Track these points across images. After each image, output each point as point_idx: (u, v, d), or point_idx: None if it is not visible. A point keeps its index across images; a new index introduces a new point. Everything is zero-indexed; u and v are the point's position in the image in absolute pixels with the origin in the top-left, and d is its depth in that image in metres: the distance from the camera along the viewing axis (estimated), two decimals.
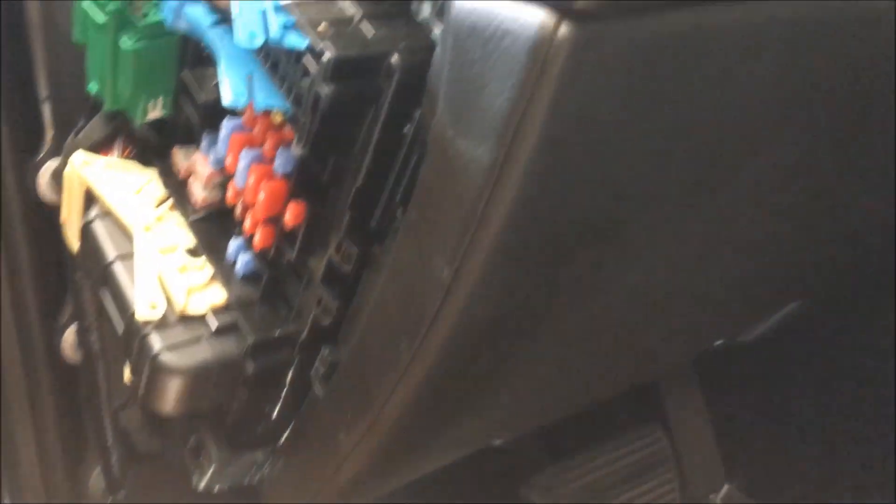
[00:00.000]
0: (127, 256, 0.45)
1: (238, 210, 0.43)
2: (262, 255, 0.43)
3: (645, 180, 0.32)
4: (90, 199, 0.47)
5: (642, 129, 0.30)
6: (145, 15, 0.43)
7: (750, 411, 0.96)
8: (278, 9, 0.33)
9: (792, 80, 0.34)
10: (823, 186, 0.44)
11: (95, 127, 0.49)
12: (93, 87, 0.46)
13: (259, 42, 0.32)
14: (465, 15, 0.28)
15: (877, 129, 0.42)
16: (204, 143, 0.45)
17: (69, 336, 0.57)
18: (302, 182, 0.39)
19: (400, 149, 0.34)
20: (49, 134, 0.54)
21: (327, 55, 0.32)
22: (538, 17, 0.26)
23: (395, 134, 0.34)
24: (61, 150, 0.53)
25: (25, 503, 0.62)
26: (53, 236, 0.55)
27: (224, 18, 0.36)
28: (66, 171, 0.47)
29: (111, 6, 0.42)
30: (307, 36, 0.33)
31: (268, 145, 0.39)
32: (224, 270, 0.45)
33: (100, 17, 0.43)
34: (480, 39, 0.28)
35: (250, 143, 0.41)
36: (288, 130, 0.39)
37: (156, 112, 0.47)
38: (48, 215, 0.54)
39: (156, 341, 0.42)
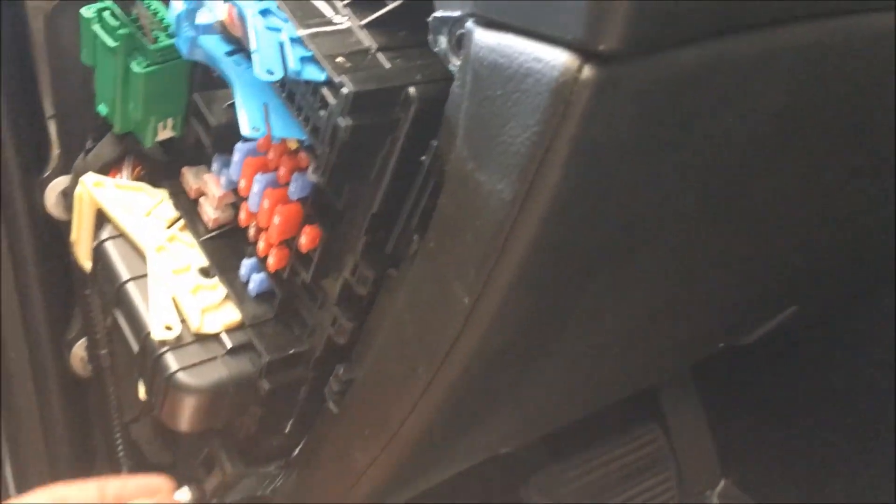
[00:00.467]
0: (140, 277, 0.45)
1: (251, 232, 0.44)
2: (276, 276, 0.44)
3: (660, 209, 0.33)
4: (101, 219, 0.48)
5: (660, 160, 0.30)
6: (156, 39, 0.43)
7: (746, 410, 0.98)
8: (295, 41, 0.34)
9: (801, 104, 0.35)
10: (826, 201, 0.45)
11: (105, 147, 0.49)
12: (102, 110, 0.46)
13: (278, 76, 0.33)
14: (487, 53, 0.29)
15: (877, 145, 0.43)
16: (215, 165, 0.45)
17: (78, 351, 0.57)
18: (317, 208, 0.39)
19: (416, 176, 0.35)
20: (55, 151, 0.54)
21: (346, 89, 0.32)
22: (561, 59, 0.26)
23: (411, 162, 0.34)
24: (68, 167, 0.54)
25: None
26: (61, 252, 0.55)
27: (239, 48, 0.36)
28: (77, 192, 0.47)
29: (122, 31, 0.43)
30: (325, 68, 0.33)
31: (282, 170, 0.40)
32: (236, 290, 0.45)
33: (110, 41, 0.43)
34: (502, 78, 0.28)
35: (264, 168, 0.41)
36: (302, 156, 0.39)
37: (165, 133, 0.47)
38: (55, 231, 0.55)
39: (171, 361, 0.43)
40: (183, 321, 0.44)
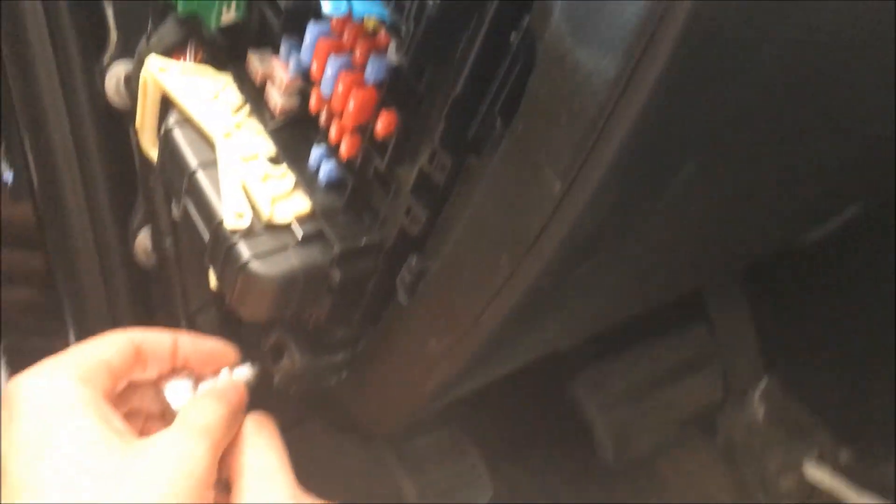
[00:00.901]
0: (209, 164, 0.45)
1: (322, 118, 0.43)
2: (347, 164, 0.43)
3: (756, 100, 0.31)
4: (166, 105, 0.47)
5: (765, 48, 0.29)
6: None
7: (792, 313, 0.97)
8: None
9: None
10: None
11: (167, 31, 0.47)
12: None
13: None
14: None
15: None
16: (283, 49, 0.44)
17: (142, 240, 0.57)
18: (395, 91, 0.38)
19: (503, 57, 0.33)
20: (113, 36, 0.53)
21: None
22: None
23: (499, 42, 0.33)
24: (126, 53, 0.53)
25: None
26: (123, 140, 0.55)
27: None
28: (142, 77, 0.46)
29: None
30: None
31: (358, 52, 0.38)
32: (306, 178, 0.45)
33: None
34: None
35: (338, 50, 0.40)
36: (380, 37, 0.38)
37: (230, 16, 0.45)
38: (117, 119, 0.54)
39: (244, 250, 0.42)
40: (253, 210, 0.43)
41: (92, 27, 0.53)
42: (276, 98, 0.45)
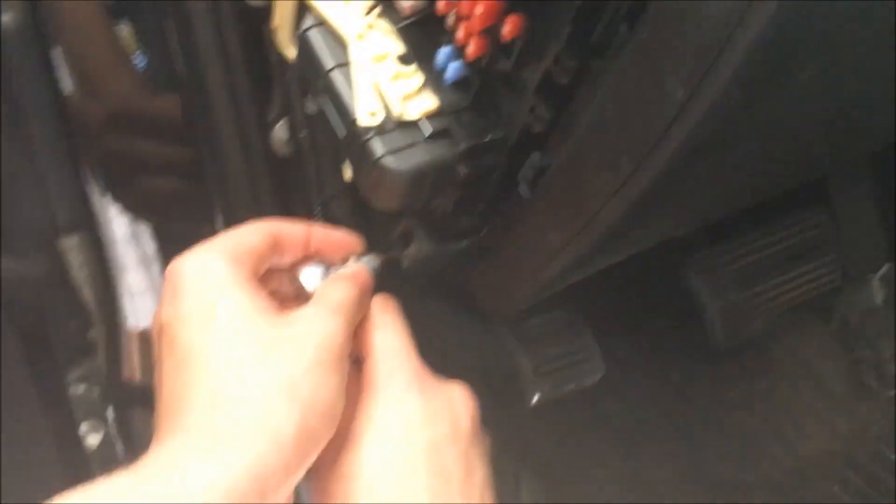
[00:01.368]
0: (343, 65, 0.47)
1: (450, 20, 0.44)
2: (473, 64, 0.45)
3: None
4: (301, 7, 0.49)
5: None
6: None
7: None
8: None
9: None
10: None
11: None
12: None
13: None
14: None
15: None
16: None
17: (279, 132, 0.61)
18: None
19: None
20: None
21: None
22: None
23: None
24: None
25: None
26: (258, 38, 0.58)
27: None
28: None
29: None
30: None
31: None
32: (433, 77, 0.47)
33: None
34: None
35: None
36: None
37: None
38: (255, 17, 0.57)
39: (377, 146, 0.46)
40: (385, 108, 0.46)
41: None
42: None
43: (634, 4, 0.35)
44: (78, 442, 0.67)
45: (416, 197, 0.48)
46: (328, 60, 0.47)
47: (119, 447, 0.68)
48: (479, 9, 0.40)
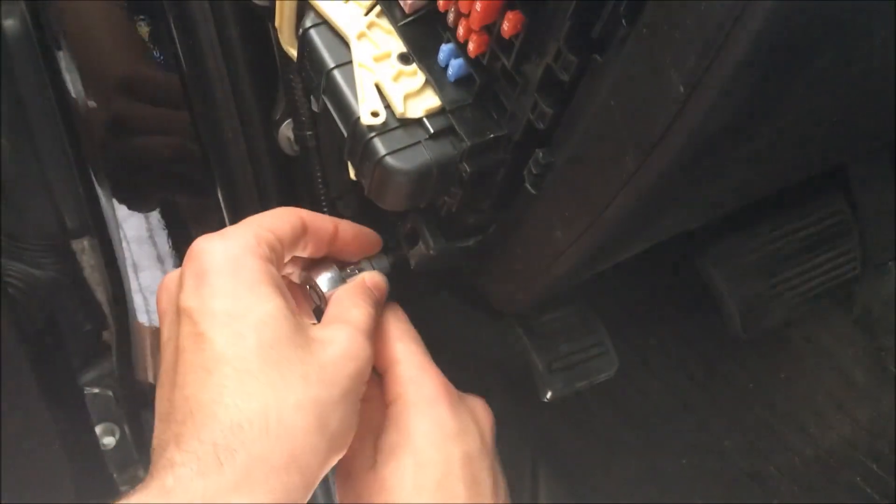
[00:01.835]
0: (344, 64, 0.47)
1: (450, 17, 0.44)
2: (475, 61, 0.44)
3: None
4: (303, 6, 0.49)
5: None
6: None
7: None
8: None
9: None
10: None
11: None
12: None
13: None
14: None
15: None
16: None
17: (285, 131, 0.61)
18: None
19: None
20: None
21: None
22: None
23: None
24: None
25: None
26: (263, 37, 0.58)
27: None
28: None
29: None
30: None
31: None
32: (435, 75, 0.46)
33: None
34: None
35: None
36: None
37: None
38: (258, 17, 0.57)
39: (380, 146, 0.45)
40: (387, 107, 0.46)
41: None
42: None
43: (633, 0, 0.34)
44: (94, 444, 0.67)
45: (420, 196, 0.47)
46: (329, 60, 0.47)
47: (133, 448, 0.69)
48: (478, 6, 0.40)
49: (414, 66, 0.46)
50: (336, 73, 0.47)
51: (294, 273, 0.53)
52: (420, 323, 0.54)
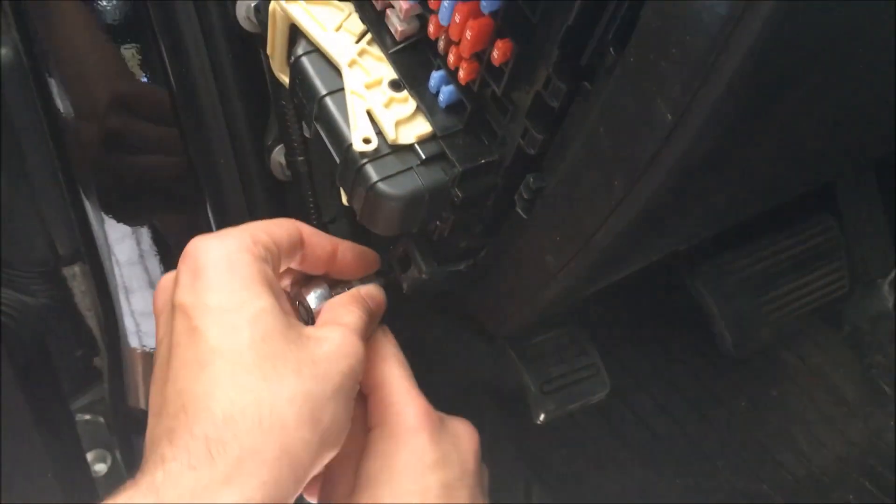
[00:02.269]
0: (336, 91, 0.47)
1: (441, 44, 0.44)
2: (465, 88, 0.45)
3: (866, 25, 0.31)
4: (295, 34, 0.49)
5: None
6: None
7: None
8: None
9: None
10: None
11: None
12: None
13: None
14: None
15: None
16: None
17: (276, 156, 0.61)
18: (510, 21, 0.39)
19: None
20: None
21: None
22: None
23: None
24: None
25: None
26: (254, 64, 0.58)
27: None
28: (271, 8, 0.49)
29: None
30: None
31: None
32: (426, 102, 0.47)
33: None
34: None
35: None
36: None
37: None
38: (249, 44, 0.57)
39: (372, 172, 0.45)
40: (379, 133, 0.46)
41: None
42: (397, 23, 0.47)
43: (621, 28, 0.34)
44: (85, 471, 0.67)
45: (412, 221, 0.48)
46: (321, 87, 0.47)
47: (126, 474, 0.68)
48: (469, 34, 0.40)
49: (405, 93, 0.47)
50: (328, 100, 0.47)
51: (286, 286, 0.53)
52: (412, 345, 0.54)
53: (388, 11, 0.47)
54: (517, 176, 0.45)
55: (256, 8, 0.54)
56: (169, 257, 0.72)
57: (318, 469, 0.41)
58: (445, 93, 0.46)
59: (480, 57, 0.42)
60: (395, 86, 0.47)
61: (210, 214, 0.66)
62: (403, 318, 0.56)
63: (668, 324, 1.00)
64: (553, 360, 0.62)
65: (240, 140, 0.60)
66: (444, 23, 0.42)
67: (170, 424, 0.39)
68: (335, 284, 0.53)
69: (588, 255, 0.42)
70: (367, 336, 0.48)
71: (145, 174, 0.66)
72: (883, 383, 1.06)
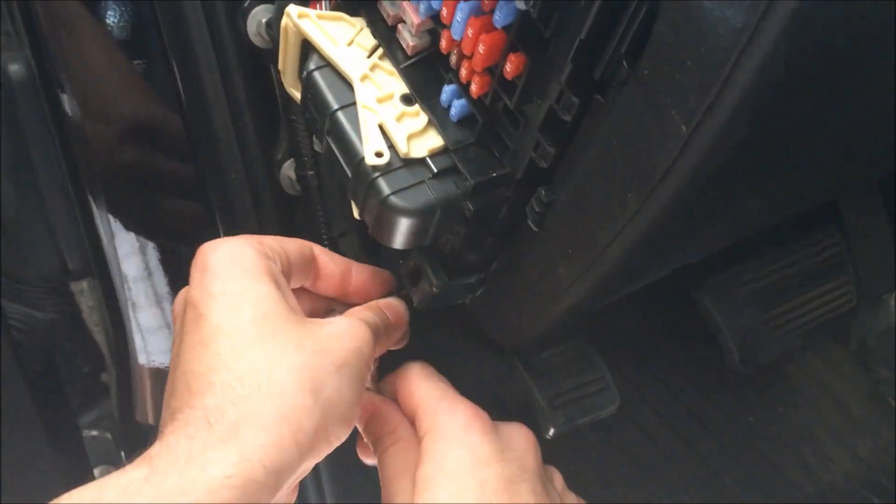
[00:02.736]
0: (348, 105, 0.48)
1: (453, 58, 0.45)
2: (477, 102, 0.45)
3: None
4: (307, 49, 0.50)
5: None
6: None
7: None
8: None
9: None
10: None
11: None
12: None
13: None
14: None
15: None
16: None
17: (286, 171, 0.62)
18: (523, 35, 0.39)
19: (629, 2, 0.34)
20: None
21: None
22: None
23: None
24: None
25: None
26: (265, 79, 0.59)
27: None
28: (283, 24, 0.49)
29: None
30: None
31: None
32: (438, 115, 0.47)
33: None
34: None
35: None
36: None
37: None
38: (259, 59, 0.58)
39: (384, 186, 0.46)
40: (391, 147, 0.46)
41: None
42: (408, 38, 0.47)
43: (634, 41, 0.35)
44: None
45: (424, 234, 0.48)
46: (333, 102, 0.48)
47: None
48: (481, 48, 0.41)
49: (417, 107, 0.47)
50: (340, 114, 0.47)
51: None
52: (422, 359, 0.54)
53: (400, 27, 0.47)
54: (529, 189, 0.45)
55: (268, 24, 0.54)
56: (177, 274, 0.72)
57: (326, 444, 0.41)
58: (457, 106, 0.46)
59: (493, 71, 0.42)
60: (407, 100, 0.48)
61: (220, 229, 0.66)
62: (412, 332, 0.56)
63: (674, 338, 1.00)
64: (562, 375, 0.62)
65: (250, 155, 0.61)
66: (456, 37, 0.42)
67: (174, 405, 0.39)
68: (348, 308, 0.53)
69: (600, 268, 0.42)
70: (386, 337, 0.49)
71: (161, 176, 0.66)
72: (890, 399, 1.06)
